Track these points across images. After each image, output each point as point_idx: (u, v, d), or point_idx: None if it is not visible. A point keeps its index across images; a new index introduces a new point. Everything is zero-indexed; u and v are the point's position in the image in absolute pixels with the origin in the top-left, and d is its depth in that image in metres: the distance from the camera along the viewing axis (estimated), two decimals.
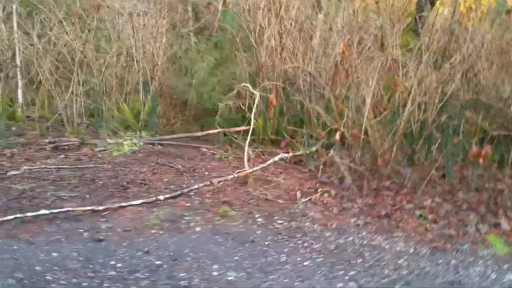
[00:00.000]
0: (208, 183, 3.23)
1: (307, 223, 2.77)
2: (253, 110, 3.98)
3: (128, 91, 5.19)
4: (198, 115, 5.56)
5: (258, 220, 2.74)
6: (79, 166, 3.56)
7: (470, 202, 3.39)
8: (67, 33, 4.46)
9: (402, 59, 3.80)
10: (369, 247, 2.50)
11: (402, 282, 2.14)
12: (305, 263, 2.23)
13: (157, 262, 2.10)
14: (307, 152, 4.30)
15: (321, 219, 2.88)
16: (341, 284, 2.06)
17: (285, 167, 4.05)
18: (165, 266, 2.08)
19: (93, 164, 3.68)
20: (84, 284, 1.87)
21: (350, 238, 2.60)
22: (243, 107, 4.80)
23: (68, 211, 2.52)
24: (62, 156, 3.86)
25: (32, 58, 4.63)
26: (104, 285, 1.88)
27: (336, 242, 2.52)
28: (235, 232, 2.52)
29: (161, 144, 4.60)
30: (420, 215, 3.06)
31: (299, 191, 3.30)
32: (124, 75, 5.12)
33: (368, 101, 3.34)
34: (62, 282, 1.86)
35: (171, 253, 2.20)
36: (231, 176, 3.39)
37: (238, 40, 4.99)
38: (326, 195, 3.33)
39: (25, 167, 3.39)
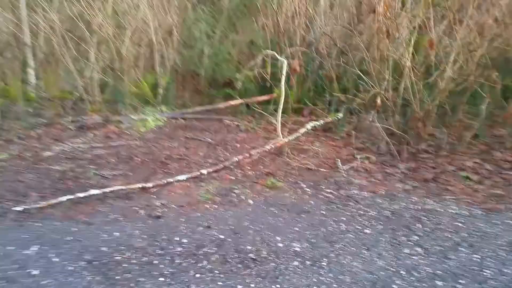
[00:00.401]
0: (247, 155, 3.17)
1: (355, 191, 2.73)
2: (283, 78, 3.85)
3: (143, 66, 5.06)
4: (214, 87, 5.44)
5: (306, 190, 2.71)
6: (111, 144, 3.49)
7: (509, 161, 3.35)
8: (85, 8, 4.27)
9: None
10: (424, 211, 2.47)
11: (465, 244, 2.12)
12: (366, 231, 2.20)
13: (221, 236, 2.08)
14: (336, 118, 4.23)
15: (368, 186, 2.85)
16: (407, 250, 2.04)
17: (316, 135, 3.99)
18: (229, 240, 2.05)
19: (124, 141, 3.62)
20: (155, 261, 1.85)
21: (403, 204, 2.57)
22: (266, 76, 4.68)
23: (120, 189, 2.47)
24: (90, 134, 3.79)
25: (46, 35, 4.48)
26: (176, 261, 1.86)
27: (391, 208, 2.49)
28: (288, 203, 2.48)
29: (183, 118, 4.53)
30: (466, 177, 3.02)
31: (338, 159, 3.24)
32: (139, 50, 4.97)
33: (408, 63, 3.23)
34: (133, 261, 1.84)
35: (232, 227, 2.17)
36: (268, 147, 3.33)
37: (257, 4, 4.82)
38: (366, 161, 3.28)
39: (57, 148, 3.33)
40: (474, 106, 3.72)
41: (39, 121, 4.19)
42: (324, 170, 3.10)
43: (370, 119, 3.64)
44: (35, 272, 1.73)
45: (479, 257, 2.00)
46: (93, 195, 2.38)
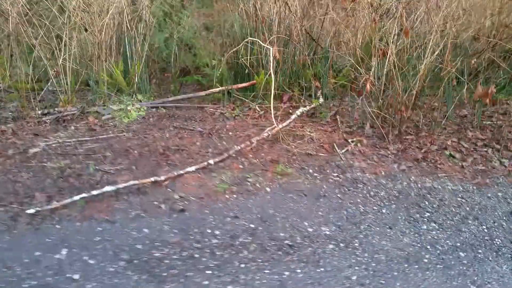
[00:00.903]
0: (248, 143, 3.17)
1: (358, 173, 2.86)
2: (271, 65, 3.87)
3: (113, 54, 4.82)
4: (187, 74, 5.34)
5: (315, 175, 2.78)
6: (99, 137, 3.33)
7: (481, 139, 3.66)
8: None
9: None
10: (425, 189, 2.65)
11: (470, 217, 2.31)
12: (383, 211, 2.33)
13: (251, 225, 2.09)
14: (318, 104, 4.35)
15: (368, 168, 2.98)
16: (424, 226, 2.19)
17: (302, 120, 4.07)
18: (260, 228, 2.08)
19: (112, 133, 3.45)
20: (196, 255, 1.83)
21: (405, 183, 2.73)
22: (245, 63, 4.67)
23: (133, 184, 2.38)
24: (71, 127, 3.57)
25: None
26: (217, 253, 1.85)
27: (396, 188, 2.64)
28: (303, 189, 2.54)
29: (164, 107, 4.41)
30: (450, 155, 3.26)
31: (334, 144, 3.35)
32: (110, 36, 4.71)
33: (393, 50, 3.39)
34: (174, 256, 1.81)
35: (258, 215, 2.20)
36: (266, 134, 3.36)
37: None
38: (359, 144, 3.42)
39: (41, 143, 3.11)
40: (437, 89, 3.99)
41: (5, 114, 3.86)
42: (323, 154, 3.19)
43: (358, 104, 3.77)
44: (75, 276, 1.64)
45: (486, 228, 2.20)
46: (107, 191, 2.26)
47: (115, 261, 1.75)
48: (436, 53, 3.55)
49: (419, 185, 2.70)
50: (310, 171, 2.85)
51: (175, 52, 5.11)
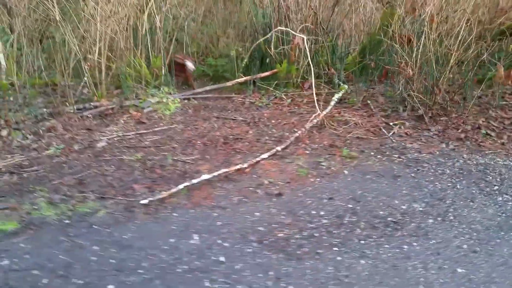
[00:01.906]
0: (303, 129, 3.30)
1: (416, 154, 3.05)
2: (308, 55, 3.99)
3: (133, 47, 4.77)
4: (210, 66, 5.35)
5: (378, 156, 2.95)
6: (155, 129, 3.37)
7: (507, 118, 3.94)
8: None
9: None
10: (481, 165, 2.87)
11: None
12: (458, 187, 2.53)
13: (349, 205, 2.24)
14: (346, 90, 4.51)
15: (421, 148, 3.17)
16: (500, 198, 2.41)
17: (336, 106, 4.22)
18: (358, 207, 2.22)
19: (163, 125, 3.49)
20: (315, 234, 1.96)
21: (461, 161, 2.94)
22: (269, 52, 4.77)
23: (224, 172, 2.47)
24: (120, 121, 3.58)
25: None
26: (333, 232, 1.99)
27: (456, 165, 2.85)
28: (376, 170, 2.71)
29: (194, 98, 4.45)
30: (486, 134, 3.51)
31: (380, 127, 3.52)
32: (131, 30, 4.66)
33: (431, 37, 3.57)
34: (297, 236, 1.93)
35: (349, 196, 2.34)
36: (315, 120, 3.49)
37: None
38: (402, 127, 3.61)
39: (103, 138, 3.12)
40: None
41: (40, 111, 3.80)
42: (373, 138, 3.36)
43: (389, 88, 3.95)
44: (221, 258, 1.74)
45: None
46: (205, 180, 2.35)
47: (248, 243, 1.86)
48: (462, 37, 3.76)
49: (474, 162, 2.92)
50: (372, 153, 3.01)
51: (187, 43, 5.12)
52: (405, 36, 4.20)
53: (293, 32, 4.31)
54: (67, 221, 1.96)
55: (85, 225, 1.94)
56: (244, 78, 4.78)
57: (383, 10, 5.33)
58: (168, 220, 2.01)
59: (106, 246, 1.79)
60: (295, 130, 3.43)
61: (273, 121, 3.76)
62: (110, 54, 4.43)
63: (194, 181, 2.31)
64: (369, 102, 4.27)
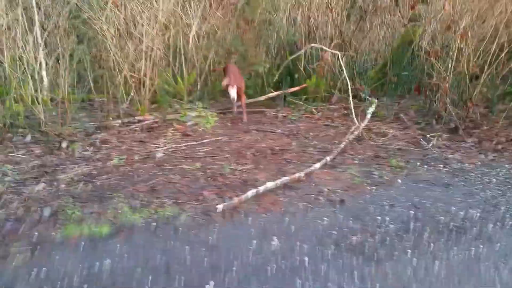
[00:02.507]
0: (347, 140, 3.43)
1: (459, 164, 3.17)
2: (345, 70, 4.16)
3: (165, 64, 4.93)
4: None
5: (424, 166, 3.08)
6: (203, 141, 3.51)
7: None
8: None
9: None
10: None
11: None
12: (508, 194, 2.63)
13: (410, 212, 2.35)
14: (375, 104, 4.65)
15: (461, 159, 3.29)
16: None
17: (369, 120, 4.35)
18: (420, 214, 2.34)
19: (208, 138, 3.63)
20: (387, 238, 2.07)
21: (504, 170, 3.06)
22: (298, 67, 4.97)
23: (285, 180, 2.59)
24: (168, 134, 3.73)
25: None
26: (403, 236, 2.10)
27: (500, 174, 2.97)
28: (427, 179, 2.83)
29: (229, 113, 4.60)
30: None
31: (419, 139, 3.65)
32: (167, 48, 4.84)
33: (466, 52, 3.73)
34: (369, 240, 2.04)
35: (409, 203, 2.46)
36: (356, 132, 3.62)
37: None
38: (439, 139, 3.74)
39: (159, 149, 3.27)
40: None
41: (87, 125, 3.95)
42: (413, 149, 3.49)
43: (432, 102, 4.09)
44: (306, 259, 1.85)
45: None
46: (268, 187, 2.47)
47: (326, 246, 1.97)
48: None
49: None
50: (417, 164, 3.13)
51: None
52: (434, 52, 4.37)
53: (326, 49, 4.48)
54: (153, 224, 2.08)
55: (171, 228, 2.06)
56: (275, 93, 4.96)
57: (406, 27, 5.52)
58: (245, 224, 2.13)
59: (196, 246, 1.91)
60: (336, 141, 3.56)
61: (311, 133, 3.90)
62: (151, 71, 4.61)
63: (261, 188, 2.43)
64: (401, 115, 4.41)
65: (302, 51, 4.70)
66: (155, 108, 4.52)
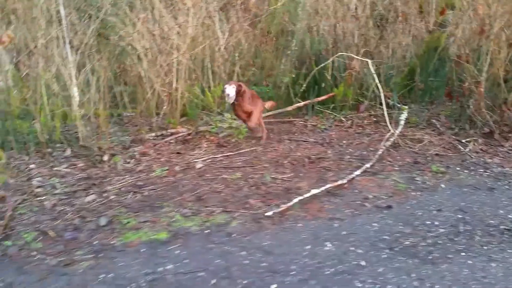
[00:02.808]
0: (383, 147, 3.44)
1: (499, 168, 3.15)
2: (376, 78, 4.19)
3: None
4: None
5: (464, 171, 3.06)
6: (239, 151, 3.56)
7: None
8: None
9: None
10: None
11: None
12: None
13: (458, 216, 2.35)
14: (405, 111, 4.63)
15: (501, 163, 3.28)
16: None
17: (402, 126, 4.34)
18: (468, 217, 2.35)
19: (244, 148, 3.68)
20: (439, 241, 2.08)
21: None
22: (325, 77, 5.02)
23: (329, 187, 2.62)
24: (204, 145, 3.80)
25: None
26: (455, 239, 2.09)
27: None
28: (470, 183, 2.82)
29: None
30: None
31: (457, 144, 3.64)
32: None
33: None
34: (422, 244, 2.04)
35: (455, 207, 2.46)
36: (392, 139, 3.63)
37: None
38: (475, 144, 3.71)
39: (197, 160, 3.33)
40: None
41: (123, 138, 4.05)
42: (451, 154, 3.48)
43: (465, 107, 4.07)
44: (362, 263, 1.87)
45: None
46: (314, 194, 2.50)
47: (380, 250, 1.98)
48: None
49: None
50: (457, 169, 3.12)
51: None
52: (466, 56, 4.37)
53: (356, 57, 4.52)
54: (207, 231, 2.13)
55: (224, 234, 2.11)
56: (303, 103, 5.01)
57: (431, 33, 5.54)
58: (295, 230, 2.16)
59: (252, 251, 1.94)
60: (371, 149, 3.58)
61: (344, 142, 3.92)
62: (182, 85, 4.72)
63: (307, 195, 2.47)
64: (434, 121, 4.40)
65: (331, 60, 4.74)
66: (185, 121, 4.61)
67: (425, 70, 5.40)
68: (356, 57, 4.54)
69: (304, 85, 5.16)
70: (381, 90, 4.16)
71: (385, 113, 4.01)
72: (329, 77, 4.94)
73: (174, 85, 4.35)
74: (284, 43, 5.57)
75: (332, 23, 5.08)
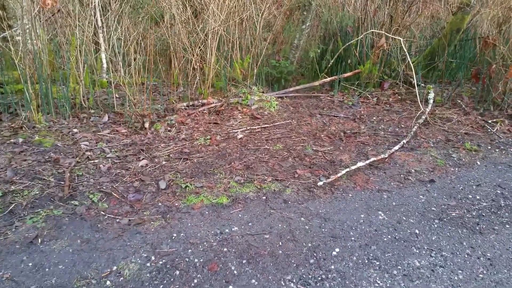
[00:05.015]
0: (417, 124, 3.52)
1: None
2: (407, 56, 4.21)
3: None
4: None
5: (496, 150, 3.15)
6: (274, 124, 3.64)
7: None
8: None
9: None
10: None
11: None
12: None
13: (497, 191, 2.45)
14: (431, 90, 4.70)
15: None
16: None
17: (424, 105, 4.41)
18: (507, 193, 2.45)
19: (278, 120, 3.76)
20: (483, 214, 2.19)
21: None
22: (352, 53, 5.04)
23: (373, 160, 2.71)
24: (238, 116, 3.87)
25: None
26: (498, 212, 2.20)
27: None
28: (504, 161, 2.91)
29: (287, 97, 4.72)
30: None
31: (483, 124, 3.71)
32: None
33: None
34: (468, 216, 2.15)
35: (493, 183, 2.56)
36: (424, 116, 3.71)
37: None
38: (502, 124, 3.79)
39: (237, 131, 3.41)
40: None
41: (155, 106, 4.12)
42: (479, 133, 3.55)
43: (491, 87, 4.13)
44: (416, 231, 1.99)
45: None
46: (360, 166, 2.60)
47: (430, 220, 2.10)
48: None
49: None
50: (488, 147, 3.21)
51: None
52: (493, 39, 4.40)
53: (387, 34, 4.54)
54: (264, 197, 2.24)
55: (280, 201, 2.21)
56: (330, 78, 5.05)
57: (453, 15, 5.52)
58: (347, 199, 2.27)
59: (310, 218, 2.06)
60: (402, 126, 3.66)
61: (374, 118, 4.00)
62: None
63: (353, 167, 2.56)
64: (459, 101, 4.47)
65: (362, 36, 4.76)
66: (212, 92, 4.66)
67: (446, 51, 5.42)
68: (388, 34, 4.54)
69: (332, 61, 5.20)
70: (413, 69, 4.20)
71: (417, 91, 4.07)
72: (356, 54, 4.97)
73: (208, 55, 4.38)
74: (300, 18, 5.56)
75: (363, 1, 5.05)
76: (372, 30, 4.73)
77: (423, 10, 6.43)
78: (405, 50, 4.30)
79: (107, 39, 4.62)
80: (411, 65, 4.19)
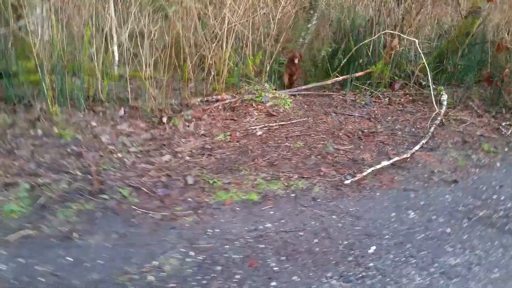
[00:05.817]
0: (434, 125, 3.54)
1: None
2: (423, 57, 4.23)
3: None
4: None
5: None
6: (291, 121, 3.64)
7: None
8: None
9: None
10: None
11: None
12: None
13: None
14: (442, 92, 4.72)
15: None
16: None
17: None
18: None
19: (294, 118, 3.76)
20: (510, 214, 2.21)
21: None
22: (365, 53, 5.05)
23: (396, 160, 2.73)
24: (254, 113, 3.87)
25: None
26: None
27: None
28: None
29: (299, 95, 4.71)
30: None
31: (498, 126, 3.75)
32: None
33: None
34: (495, 216, 2.18)
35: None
36: (439, 118, 3.73)
37: None
38: None
39: (255, 127, 3.41)
40: None
41: (169, 101, 4.08)
42: (494, 136, 3.58)
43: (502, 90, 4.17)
44: (447, 230, 2.00)
45: None
46: (385, 165, 2.61)
47: (459, 219, 2.12)
48: None
49: None
50: (505, 149, 3.24)
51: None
52: (506, 42, 4.43)
53: (403, 36, 4.55)
54: (293, 195, 2.24)
55: (309, 198, 2.22)
56: (342, 77, 5.06)
57: (464, 18, 5.55)
58: (376, 198, 2.28)
59: (342, 216, 2.07)
60: (418, 126, 3.68)
61: (389, 118, 4.01)
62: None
63: (377, 166, 2.57)
64: (471, 103, 4.50)
65: (376, 36, 4.76)
66: (224, 88, 4.64)
67: (456, 54, 5.45)
68: (403, 35, 4.55)
69: (344, 60, 5.20)
70: (428, 70, 4.21)
71: (432, 93, 4.09)
72: (369, 54, 4.98)
73: (223, 50, 4.36)
74: (306, 16, 5.57)
75: (378, 1, 5.06)
76: (387, 31, 4.74)
77: (433, 13, 6.46)
78: (420, 51, 4.32)
79: (120, 32, 4.58)
80: (426, 66, 4.20)
